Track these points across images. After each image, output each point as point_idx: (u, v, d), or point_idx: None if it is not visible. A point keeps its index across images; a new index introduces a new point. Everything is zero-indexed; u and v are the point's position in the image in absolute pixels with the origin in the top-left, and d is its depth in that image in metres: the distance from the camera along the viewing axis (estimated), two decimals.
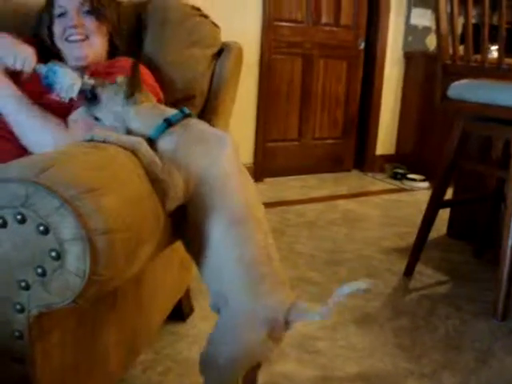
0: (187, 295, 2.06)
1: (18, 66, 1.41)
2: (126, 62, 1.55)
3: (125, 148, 1.15)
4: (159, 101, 1.46)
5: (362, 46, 4.64)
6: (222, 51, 1.71)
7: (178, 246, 1.76)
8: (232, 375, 1.26)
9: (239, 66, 1.78)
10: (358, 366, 1.83)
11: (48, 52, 1.61)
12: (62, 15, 1.58)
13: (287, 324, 1.23)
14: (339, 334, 2.02)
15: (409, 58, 4.76)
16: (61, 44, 1.60)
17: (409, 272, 2.59)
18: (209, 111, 1.63)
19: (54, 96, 1.43)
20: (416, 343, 1.99)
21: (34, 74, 1.42)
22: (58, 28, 1.60)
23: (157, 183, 1.15)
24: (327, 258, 2.77)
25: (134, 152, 1.15)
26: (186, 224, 1.27)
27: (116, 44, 1.67)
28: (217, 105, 1.70)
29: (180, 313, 2.04)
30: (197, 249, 1.26)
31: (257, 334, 1.21)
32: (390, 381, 1.77)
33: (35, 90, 1.45)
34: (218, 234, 1.22)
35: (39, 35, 1.65)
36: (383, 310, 2.25)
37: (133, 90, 1.26)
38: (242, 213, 1.24)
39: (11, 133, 1.41)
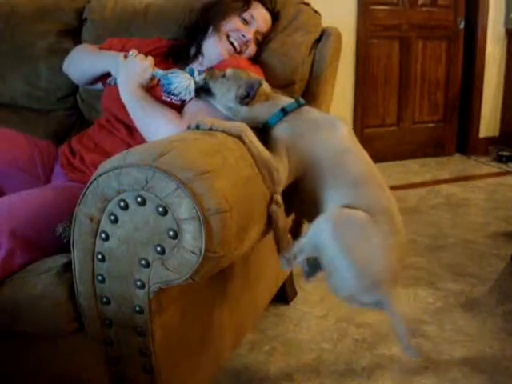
0: (291, 279, 2.11)
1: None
2: (240, 61, 1.58)
3: (230, 134, 1.20)
4: None
5: (462, 25, 4.45)
6: (321, 37, 1.72)
7: None
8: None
9: (338, 52, 1.78)
10: (464, 350, 1.80)
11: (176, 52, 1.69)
12: (244, 21, 1.61)
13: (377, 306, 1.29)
14: (445, 319, 1.99)
15: (511, 34, 4.53)
16: (217, 38, 1.61)
17: None
18: (309, 97, 1.65)
19: (170, 98, 1.48)
20: None
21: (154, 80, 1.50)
22: (231, 25, 1.60)
23: (262, 168, 1.20)
24: (430, 242, 2.72)
25: (239, 138, 1.20)
26: (299, 199, 1.33)
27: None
28: (317, 91, 1.72)
29: (284, 296, 2.09)
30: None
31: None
32: (497, 366, 1.73)
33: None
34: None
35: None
36: (490, 295, 2.18)
37: (246, 101, 1.33)
38: (360, 178, 1.29)
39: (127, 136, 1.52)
